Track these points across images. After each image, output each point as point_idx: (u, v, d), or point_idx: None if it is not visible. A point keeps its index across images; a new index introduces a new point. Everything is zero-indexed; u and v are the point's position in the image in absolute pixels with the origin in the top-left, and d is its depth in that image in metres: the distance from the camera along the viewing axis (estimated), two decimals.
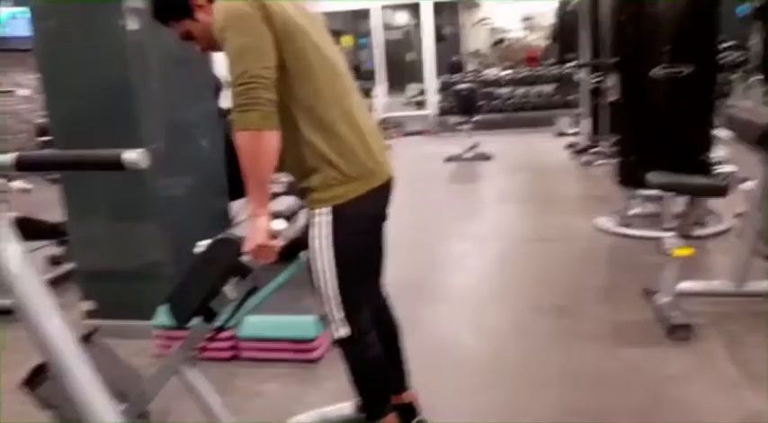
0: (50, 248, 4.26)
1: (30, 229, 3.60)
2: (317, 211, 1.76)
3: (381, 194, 1.86)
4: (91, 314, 3.13)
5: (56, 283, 3.98)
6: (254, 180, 1.62)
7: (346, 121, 1.74)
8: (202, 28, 1.76)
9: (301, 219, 2.05)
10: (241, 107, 1.57)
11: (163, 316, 2.76)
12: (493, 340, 2.96)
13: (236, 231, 1.76)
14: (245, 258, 1.68)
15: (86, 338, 2.26)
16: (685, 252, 2.85)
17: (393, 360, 2.11)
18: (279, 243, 1.66)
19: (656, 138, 4.21)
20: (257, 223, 1.63)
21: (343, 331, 1.85)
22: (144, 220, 3.07)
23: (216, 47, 1.71)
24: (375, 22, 11.58)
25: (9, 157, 1.18)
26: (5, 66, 9.22)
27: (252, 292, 2.00)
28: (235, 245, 1.68)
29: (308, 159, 1.72)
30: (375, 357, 1.93)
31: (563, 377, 2.56)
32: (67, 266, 3.93)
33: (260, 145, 1.59)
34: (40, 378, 2.09)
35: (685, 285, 2.98)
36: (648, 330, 2.87)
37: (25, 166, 1.17)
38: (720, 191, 2.88)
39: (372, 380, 1.97)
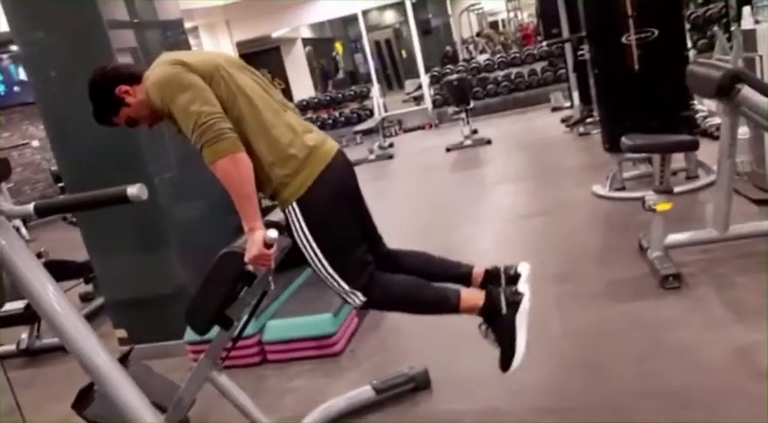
0: (80, 287, 4.53)
1: (58, 270, 3.87)
2: (286, 210, 1.97)
3: (335, 171, 2.01)
4: (124, 341, 3.37)
5: (90, 318, 4.26)
6: (241, 198, 1.83)
7: (275, 126, 1.95)
8: (137, 108, 2.01)
9: None
10: (209, 141, 1.79)
11: (192, 332, 2.98)
12: None
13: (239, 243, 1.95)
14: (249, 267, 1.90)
15: (123, 359, 2.50)
16: (666, 206, 3.01)
17: (441, 270, 2.23)
18: (274, 251, 1.86)
19: (635, 102, 4.36)
20: (254, 236, 1.83)
21: (358, 298, 2.03)
22: (162, 248, 3.30)
23: (159, 117, 1.98)
24: (361, 25, 11.75)
25: (30, 207, 1.41)
26: (16, 121, 9.59)
27: (262, 297, 2.22)
28: (238, 256, 1.89)
29: (259, 169, 1.92)
30: (402, 287, 2.06)
31: (565, 335, 2.75)
32: (98, 301, 4.19)
33: (238, 165, 1.81)
34: (86, 400, 2.33)
35: (673, 238, 3.14)
36: (643, 284, 3.04)
37: (43, 213, 1.40)
38: (691, 145, 3.04)
39: (416, 300, 2.08)
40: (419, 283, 2.11)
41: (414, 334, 3.14)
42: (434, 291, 2.10)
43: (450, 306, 2.07)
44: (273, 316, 3.12)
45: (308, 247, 1.99)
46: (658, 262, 3.05)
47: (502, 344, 2.05)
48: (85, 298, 4.55)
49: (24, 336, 3.77)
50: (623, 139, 3.18)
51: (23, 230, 8.24)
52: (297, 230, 1.98)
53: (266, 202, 2.40)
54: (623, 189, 4.65)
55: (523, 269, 2.18)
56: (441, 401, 2.45)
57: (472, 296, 2.08)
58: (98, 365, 1.45)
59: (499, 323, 2.05)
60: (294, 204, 1.96)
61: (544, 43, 8.25)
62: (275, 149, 1.93)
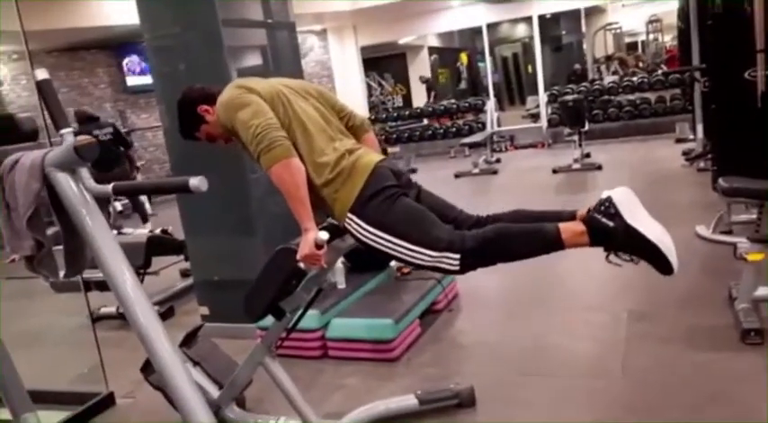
0: (181, 264, 4.87)
1: (160, 246, 4.22)
2: (345, 223, 2.05)
3: (379, 175, 2.05)
4: (206, 318, 3.62)
5: (183, 293, 4.60)
6: (295, 201, 1.96)
7: (325, 152, 2.08)
8: (214, 125, 2.25)
9: None
10: (265, 148, 1.95)
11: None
12: (563, 342, 3.10)
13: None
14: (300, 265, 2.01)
15: (193, 334, 2.72)
16: (758, 256, 2.83)
17: (541, 216, 2.09)
18: (324, 252, 1.97)
19: (752, 142, 4.08)
20: (307, 236, 1.96)
21: (452, 258, 1.94)
22: (249, 236, 3.51)
23: (230, 136, 2.18)
24: (484, 39, 11.76)
25: (109, 187, 1.60)
26: (155, 104, 10.40)
27: (317, 294, 2.34)
28: (292, 253, 2.01)
29: (312, 190, 2.03)
30: (494, 230, 1.97)
31: (624, 376, 2.67)
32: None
33: (291, 170, 1.95)
34: (151, 367, 2.56)
35: (764, 291, 2.94)
36: (723, 335, 2.87)
37: (120, 192, 1.59)
38: None
39: (513, 236, 1.96)
40: (513, 224, 2.01)
41: (474, 351, 3.16)
42: (531, 225, 1.98)
43: (551, 235, 1.88)
44: (339, 314, 3.24)
45: (381, 243, 2.01)
46: (743, 314, 2.87)
47: (641, 254, 1.86)
48: (185, 273, 4.89)
49: None
50: (720, 180, 3.03)
51: (147, 205, 9.00)
52: (364, 236, 2.03)
53: None
54: (730, 233, 4.37)
55: (610, 192, 1.92)
56: (480, 420, 2.46)
57: (571, 224, 1.91)
58: (160, 352, 1.61)
59: (619, 239, 1.85)
60: (349, 215, 2.04)
61: (659, 71, 7.83)
62: (323, 173, 2.05)
